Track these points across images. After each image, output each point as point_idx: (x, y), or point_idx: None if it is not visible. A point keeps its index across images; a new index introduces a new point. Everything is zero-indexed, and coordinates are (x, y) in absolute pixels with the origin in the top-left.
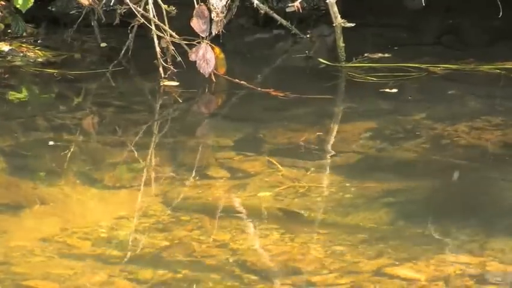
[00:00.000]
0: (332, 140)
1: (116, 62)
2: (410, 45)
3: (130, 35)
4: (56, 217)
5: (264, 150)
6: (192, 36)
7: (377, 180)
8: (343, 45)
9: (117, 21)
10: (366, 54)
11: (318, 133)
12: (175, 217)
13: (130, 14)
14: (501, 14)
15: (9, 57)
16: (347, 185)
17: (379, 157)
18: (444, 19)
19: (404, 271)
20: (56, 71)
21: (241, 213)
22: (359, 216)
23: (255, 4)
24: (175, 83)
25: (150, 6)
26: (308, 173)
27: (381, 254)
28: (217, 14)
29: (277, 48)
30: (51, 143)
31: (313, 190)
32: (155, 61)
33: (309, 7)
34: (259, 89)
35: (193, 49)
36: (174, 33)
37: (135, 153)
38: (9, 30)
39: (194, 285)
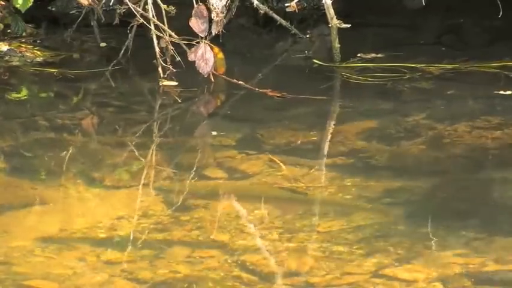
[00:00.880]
0: (332, 140)
1: (115, 61)
2: (410, 45)
3: (129, 34)
4: (56, 217)
5: (263, 150)
6: (192, 36)
7: (377, 180)
8: (339, 46)
9: (116, 21)
10: (359, 55)
11: (317, 133)
12: (175, 217)
13: (130, 14)
14: (501, 13)
15: (6, 57)
16: (347, 185)
17: (379, 157)
18: (444, 19)
19: (404, 272)
20: (54, 71)
21: (241, 213)
22: (359, 216)
23: (254, 4)
24: (175, 83)
25: (150, 6)
26: (308, 173)
27: (380, 255)
28: (217, 14)
29: (276, 48)
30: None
31: (312, 190)
32: (154, 61)
33: (309, 7)
34: (256, 89)
35: (192, 49)
36: (173, 33)
37: (135, 153)
38: (8, 30)
39: (194, 285)
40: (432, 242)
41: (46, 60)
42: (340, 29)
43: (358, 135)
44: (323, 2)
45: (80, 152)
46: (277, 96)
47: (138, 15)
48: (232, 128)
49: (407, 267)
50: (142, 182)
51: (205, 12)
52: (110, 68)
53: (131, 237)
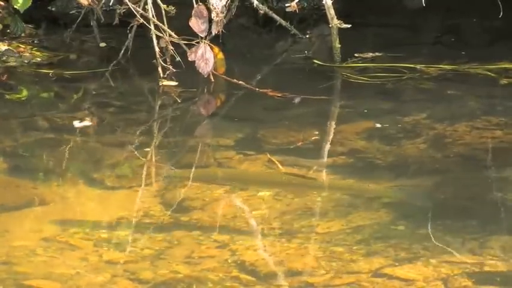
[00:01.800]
0: (332, 140)
1: (115, 62)
2: (410, 45)
3: (129, 34)
4: (57, 217)
5: (263, 150)
6: (192, 36)
7: (377, 180)
8: (339, 46)
9: (116, 21)
10: (356, 55)
11: (317, 133)
12: (175, 217)
13: (130, 14)
14: (502, 14)
15: (4, 58)
16: (346, 185)
17: (379, 157)
18: (444, 19)
19: (404, 271)
20: (50, 71)
21: (240, 213)
22: (358, 216)
23: (254, 4)
24: (175, 83)
25: (149, 5)
26: (308, 173)
27: (380, 254)
28: (217, 14)
29: (277, 48)
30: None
31: (312, 190)
32: (154, 61)
33: (309, 7)
34: (256, 89)
35: (192, 49)
36: (173, 33)
37: (135, 153)
38: (8, 31)
39: (194, 286)
40: (432, 242)
41: (44, 61)
42: (340, 29)
43: (358, 135)
44: (323, 2)
45: (81, 152)
46: (278, 96)
47: (138, 15)
48: (232, 128)
49: (407, 267)
50: (142, 182)
51: (205, 12)
52: (109, 68)
53: (132, 238)
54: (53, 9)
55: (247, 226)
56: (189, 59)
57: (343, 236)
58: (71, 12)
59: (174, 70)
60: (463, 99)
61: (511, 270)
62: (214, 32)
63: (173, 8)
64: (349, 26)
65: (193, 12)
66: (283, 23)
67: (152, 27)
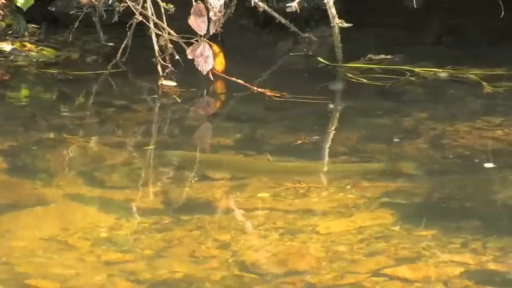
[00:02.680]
0: (332, 140)
1: (114, 61)
2: (410, 45)
3: (128, 33)
4: (57, 217)
5: (263, 150)
6: (192, 35)
7: (377, 180)
8: (341, 45)
9: (115, 19)
10: (368, 56)
11: (317, 133)
12: (175, 217)
13: (132, 14)
14: (503, 14)
15: (11, 57)
16: (347, 185)
17: (379, 157)
18: (445, 19)
19: (404, 271)
20: (57, 71)
21: (241, 213)
22: (359, 217)
23: (253, 3)
24: (174, 83)
25: (149, 4)
26: (309, 173)
27: (380, 254)
28: (215, 13)
29: (277, 48)
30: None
31: (312, 190)
32: (153, 59)
33: (309, 7)
34: (255, 88)
35: (191, 47)
36: (172, 31)
37: (135, 153)
38: (10, 31)
39: (194, 286)
40: (432, 242)
41: (50, 60)
42: (341, 29)
43: (358, 135)
44: (325, 1)
45: (81, 152)
46: (276, 96)
47: (137, 13)
48: (232, 127)
49: (408, 267)
50: (142, 182)
51: (204, 11)
52: (109, 68)
53: (131, 237)
54: (53, 9)
55: (248, 226)
56: (188, 57)
57: (344, 236)
58: (71, 12)
59: (174, 69)
60: (463, 99)
61: (511, 271)
62: (212, 31)
63: (172, 6)
64: (350, 25)
65: (192, 10)
66: (283, 20)
67: (152, 25)
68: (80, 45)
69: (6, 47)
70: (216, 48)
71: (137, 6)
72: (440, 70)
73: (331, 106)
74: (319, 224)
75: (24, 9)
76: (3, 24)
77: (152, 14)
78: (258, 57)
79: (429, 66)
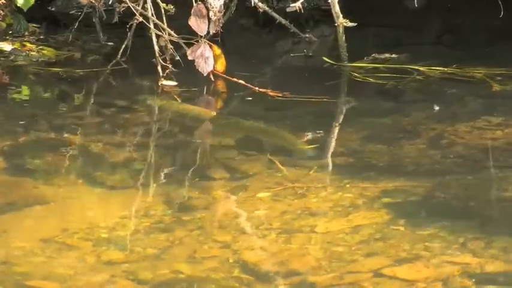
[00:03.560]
0: (332, 139)
1: (114, 61)
2: (410, 45)
3: (128, 33)
4: (57, 217)
5: (263, 151)
6: (192, 35)
7: (377, 180)
8: (346, 44)
9: (116, 19)
10: (373, 55)
11: (317, 133)
12: (176, 217)
13: (132, 14)
14: (502, 14)
15: (12, 57)
16: (347, 185)
17: (379, 157)
18: (445, 19)
19: (404, 271)
20: (59, 70)
21: (241, 213)
22: (358, 217)
23: (253, 3)
24: (174, 83)
25: (149, 4)
26: (308, 173)
27: (380, 255)
28: (215, 13)
29: (277, 48)
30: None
31: (312, 190)
32: (153, 59)
33: (309, 7)
34: (256, 88)
35: (191, 48)
36: (172, 32)
37: (135, 153)
38: (10, 31)
39: (195, 286)
40: (432, 242)
41: (50, 60)
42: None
43: (358, 135)
44: (328, 1)
45: (81, 151)
46: (278, 96)
47: (138, 14)
48: (233, 127)
49: (408, 267)
50: (143, 182)
51: (204, 11)
52: (109, 67)
53: (132, 237)
54: (53, 9)
55: (248, 226)
56: (188, 57)
57: (343, 236)
58: (71, 12)
59: (174, 69)
60: (463, 99)
61: (511, 271)
62: (212, 31)
63: (172, 7)
64: (355, 24)
65: (192, 11)
66: (283, 21)
67: (152, 25)
68: (80, 45)
69: (7, 47)
70: (216, 48)
71: (137, 7)
72: (446, 69)
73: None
74: (319, 224)
75: (25, 10)
76: (4, 25)
77: (152, 15)
78: (258, 57)
79: (431, 65)
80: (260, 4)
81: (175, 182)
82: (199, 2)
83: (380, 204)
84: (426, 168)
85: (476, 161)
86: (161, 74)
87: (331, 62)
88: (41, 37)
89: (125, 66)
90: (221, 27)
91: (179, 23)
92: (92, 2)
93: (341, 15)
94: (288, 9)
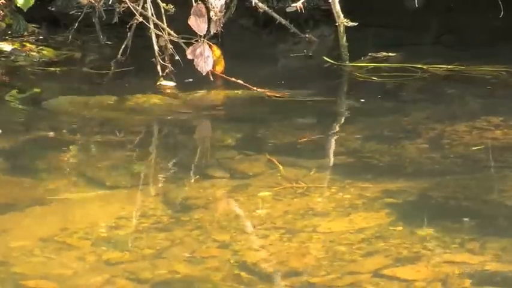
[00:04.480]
0: (332, 139)
1: (114, 61)
2: (411, 45)
3: (129, 33)
4: (56, 217)
5: (264, 150)
6: (192, 35)
7: (377, 180)
8: (347, 44)
9: (115, 19)
10: (370, 54)
11: (317, 133)
12: (176, 217)
13: (132, 14)
14: (502, 14)
15: (12, 57)
16: (347, 185)
17: (379, 157)
18: (445, 19)
19: (404, 271)
20: (58, 70)
21: (241, 213)
22: (359, 217)
23: (253, 3)
24: (173, 83)
25: (149, 4)
26: (308, 173)
27: (380, 255)
28: (216, 13)
29: (277, 48)
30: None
31: (312, 190)
32: (153, 59)
33: (309, 7)
34: (255, 88)
35: (191, 47)
36: (172, 32)
37: (135, 153)
38: (10, 32)
39: (194, 286)
40: (432, 242)
41: (51, 60)
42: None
43: (358, 135)
44: (329, 0)
45: (80, 151)
46: (276, 96)
47: (137, 14)
48: (232, 128)
49: (408, 267)
50: (142, 182)
51: (204, 11)
52: (109, 67)
53: (131, 237)
54: (53, 9)
55: (248, 226)
56: (188, 57)
57: (344, 236)
58: (71, 12)
59: (174, 70)
60: (463, 99)
61: (511, 271)
62: (213, 31)
63: (172, 7)
64: (356, 24)
65: (192, 10)
66: (283, 21)
67: (151, 25)
68: (80, 45)
69: (7, 47)
70: (216, 48)
71: (137, 7)
72: (449, 66)
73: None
74: (320, 224)
75: (25, 10)
76: (3, 25)
77: (152, 15)
78: (258, 57)
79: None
80: (260, 4)
81: (175, 181)
82: (199, 2)
83: (380, 204)
84: (426, 168)
85: (476, 161)
86: (160, 73)
87: (332, 61)
88: (41, 37)
89: (125, 66)
90: (221, 27)
91: (179, 23)
92: (91, 2)
93: (342, 15)
94: (287, 9)
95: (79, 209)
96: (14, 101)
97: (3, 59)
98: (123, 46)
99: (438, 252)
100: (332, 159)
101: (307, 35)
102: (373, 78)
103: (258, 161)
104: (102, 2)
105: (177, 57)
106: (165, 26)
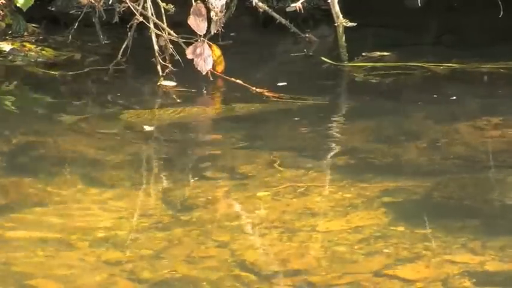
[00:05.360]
0: (332, 139)
1: (115, 61)
2: (410, 45)
3: (129, 33)
4: (56, 217)
5: (263, 150)
6: (193, 35)
7: (376, 180)
8: (345, 44)
9: (116, 19)
10: (363, 54)
11: (317, 133)
12: (175, 217)
13: (132, 13)
14: (502, 14)
15: (10, 57)
16: (346, 185)
17: (379, 157)
18: (444, 19)
19: (404, 271)
20: (57, 70)
21: (240, 213)
22: (358, 216)
23: (253, 3)
24: (174, 83)
25: (149, 3)
26: (308, 173)
27: (380, 255)
28: (216, 13)
29: (277, 48)
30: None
31: (312, 190)
32: (153, 59)
33: (309, 7)
34: (254, 88)
35: (191, 47)
36: (172, 32)
37: (135, 152)
38: (10, 32)
39: (194, 285)
40: (432, 242)
41: (49, 60)
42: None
43: (358, 135)
44: (328, 0)
45: (80, 151)
46: (275, 96)
47: (138, 14)
48: (232, 127)
49: (408, 267)
50: (142, 182)
51: (203, 10)
52: (110, 67)
53: (131, 237)
54: (53, 9)
55: (247, 225)
56: (188, 56)
57: (343, 236)
58: (71, 12)
59: (174, 69)
60: (463, 99)
61: (511, 271)
62: (213, 31)
63: (172, 7)
64: (354, 24)
65: (191, 10)
66: (283, 21)
67: (151, 25)
68: (80, 45)
69: (6, 47)
70: (216, 48)
71: (137, 7)
72: (447, 64)
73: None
74: (319, 224)
75: (24, 10)
76: (3, 25)
77: (152, 15)
78: (257, 57)
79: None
80: (260, 4)
81: (175, 181)
82: (199, 2)
83: (380, 204)
84: (426, 168)
85: (476, 161)
86: (161, 73)
87: (330, 62)
88: (41, 37)
89: (124, 68)
90: (221, 27)
91: (179, 23)
92: (91, 2)
93: (341, 15)
94: (287, 9)
95: (79, 209)
96: (11, 101)
97: (1, 58)
98: (124, 46)
99: (438, 252)
100: (332, 159)
101: (307, 35)
102: (372, 78)
103: (257, 161)
104: (102, 1)
105: (177, 57)
106: (165, 25)
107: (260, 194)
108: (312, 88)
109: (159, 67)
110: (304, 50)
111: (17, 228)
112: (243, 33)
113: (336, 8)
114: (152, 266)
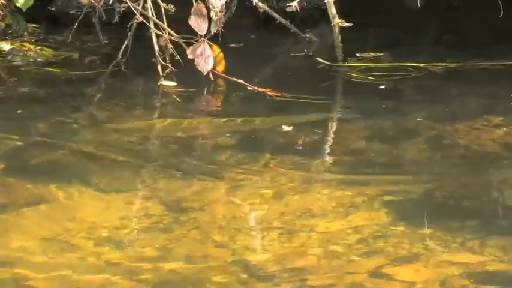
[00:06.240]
0: (332, 139)
1: (115, 61)
2: (410, 45)
3: (129, 33)
4: (57, 217)
5: (263, 150)
6: (193, 35)
7: (376, 180)
8: (341, 45)
9: (116, 20)
10: (357, 54)
11: (317, 133)
12: (175, 217)
13: (132, 14)
14: (502, 14)
15: (9, 57)
16: (346, 184)
17: (379, 157)
18: (444, 19)
19: (403, 272)
20: (57, 71)
21: (240, 213)
22: (358, 216)
23: (254, 3)
24: (174, 83)
25: (149, 4)
26: (307, 173)
27: (380, 254)
28: (216, 13)
29: (277, 48)
30: None
31: (312, 190)
32: (153, 59)
33: (309, 7)
34: (256, 88)
35: (191, 47)
36: (172, 32)
37: (135, 153)
38: (9, 32)
39: (194, 286)
40: (432, 242)
41: (49, 60)
42: (340, 29)
43: (358, 135)
44: (324, 0)
45: (80, 152)
46: (277, 96)
47: (138, 14)
48: (232, 127)
49: (407, 267)
50: (142, 182)
51: (204, 11)
52: (110, 67)
53: (131, 238)
54: (53, 9)
55: (247, 225)
56: (188, 57)
57: (343, 236)
58: (71, 12)
59: (174, 69)
60: (463, 99)
61: (511, 270)
62: (213, 31)
63: (172, 7)
64: (350, 24)
65: (192, 10)
66: (283, 21)
67: (152, 25)
68: (80, 45)
69: (5, 46)
70: (216, 48)
71: (138, 7)
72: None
73: None
74: (319, 224)
75: (24, 10)
76: (3, 25)
77: (152, 15)
78: (258, 57)
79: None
80: (260, 4)
81: (175, 181)
82: (199, 2)
83: (380, 204)
84: (426, 168)
85: (476, 161)
86: (161, 73)
87: (326, 62)
88: (40, 37)
89: (124, 68)
90: (222, 27)
91: (179, 23)
92: (91, 2)
93: (337, 16)
94: (287, 9)
95: (79, 209)
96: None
97: (0, 58)
98: (124, 46)
99: (438, 252)
100: (332, 158)
101: (307, 35)
102: (371, 78)
103: (257, 161)
104: (102, 1)
105: (177, 57)
106: (165, 25)
107: (260, 194)
108: (312, 87)
109: (159, 67)
110: (305, 50)
111: (17, 228)
112: (243, 33)
113: (332, 9)
114: (152, 266)
